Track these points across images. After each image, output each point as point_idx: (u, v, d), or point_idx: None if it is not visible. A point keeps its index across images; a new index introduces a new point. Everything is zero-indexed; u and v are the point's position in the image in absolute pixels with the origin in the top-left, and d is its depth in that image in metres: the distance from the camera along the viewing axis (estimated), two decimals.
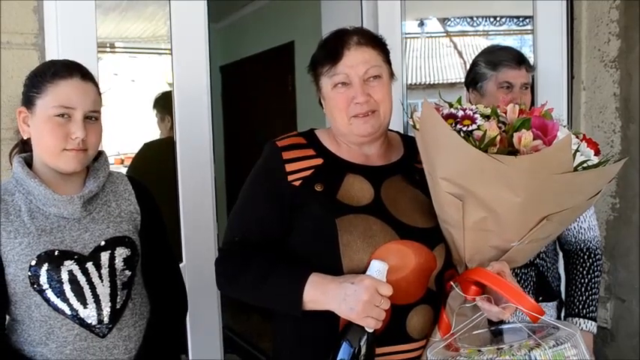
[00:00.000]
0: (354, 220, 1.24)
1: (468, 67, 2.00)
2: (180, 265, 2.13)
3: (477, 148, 1.05)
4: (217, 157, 5.20)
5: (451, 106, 1.17)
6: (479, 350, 1.14)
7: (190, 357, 2.20)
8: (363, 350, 1.12)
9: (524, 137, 1.05)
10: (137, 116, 2.48)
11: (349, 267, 1.22)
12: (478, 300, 1.18)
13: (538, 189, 1.07)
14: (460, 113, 1.11)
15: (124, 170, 2.51)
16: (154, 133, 2.46)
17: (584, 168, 1.08)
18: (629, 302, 2.30)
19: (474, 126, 1.09)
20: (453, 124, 1.10)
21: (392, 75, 1.35)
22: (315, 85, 1.37)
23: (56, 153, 1.32)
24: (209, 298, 2.19)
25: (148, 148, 2.39)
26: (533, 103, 2.32)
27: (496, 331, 1.23)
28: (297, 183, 1.28)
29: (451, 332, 1.21)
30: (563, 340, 1.10)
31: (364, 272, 1.18)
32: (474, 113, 1.11)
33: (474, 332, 1.20)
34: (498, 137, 1.06)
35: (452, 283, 1.25)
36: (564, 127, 1.16)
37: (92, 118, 1.35)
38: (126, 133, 2.43)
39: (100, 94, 1.39)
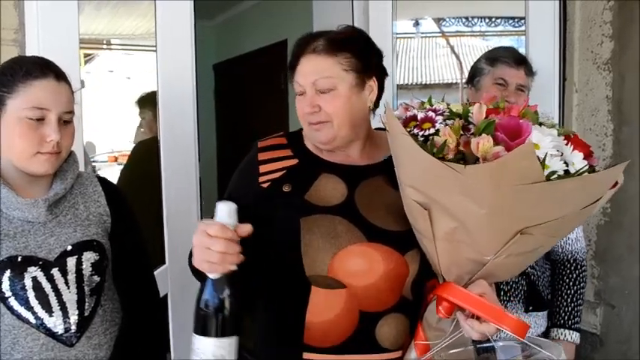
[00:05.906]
0: (318, 219, 1.21)
1: (463, 67, 1.98)
2: (163, 267, 2.11)
3: (430, 155, 0.96)
4: (209, 156, 5.19)
5: (422, 105, 1.09)
6: None
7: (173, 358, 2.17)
8: (227, 292, 1.09)
9: (483, 143, 0.93)
10: (131, 114, 2.45)
11: (311, 267, 1.19)
12: (458, 316, 1.09)
13: (504, 200, 0.95)
14: (421, 115, 1.04)
15: (117, 168, 2.48)
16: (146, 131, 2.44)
17: (560, 177, 0.94)
18: (619, 308, 2.26)
19: (432, 130, 1.01)
20: (412, 128, 1.03)
21: (362, 82, 1.26)
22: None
23: (28, 156, 1.25)
24: (191, 301, 2.14)
25: (142, 146, 2.36)
26: None
27: (480, 350, 1.15)
28: (265, 185, 1.28)
29: (429, 349, 1.13)
30: None
31: (327, 274, 1.15)
32: (437, 114, 1.03)
33: (453, 351, 1.12)
34: (454, 143, 0.97)
35: (431, 296, 1.16)
36: (553, 126, 1.05)
37: (66, 119, 1.29)
38: (120, 131, 2.41)
39: (73, 93, 1.34)
